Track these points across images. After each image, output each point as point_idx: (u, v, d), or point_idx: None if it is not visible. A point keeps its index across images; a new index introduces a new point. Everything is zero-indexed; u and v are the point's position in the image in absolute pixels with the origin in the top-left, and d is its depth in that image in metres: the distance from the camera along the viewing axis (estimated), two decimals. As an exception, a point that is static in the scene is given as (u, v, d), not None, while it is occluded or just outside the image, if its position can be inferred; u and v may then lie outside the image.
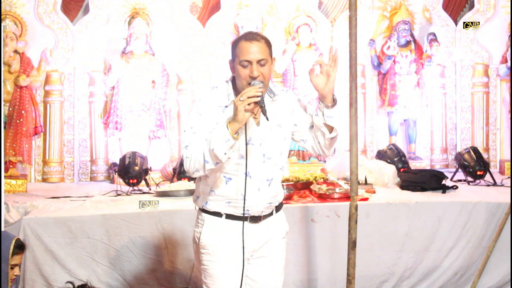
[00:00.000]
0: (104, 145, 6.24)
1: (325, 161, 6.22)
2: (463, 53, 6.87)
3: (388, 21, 6.76)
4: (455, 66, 6.93)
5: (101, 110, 6.26)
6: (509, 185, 5.05)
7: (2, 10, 5.74)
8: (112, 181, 5.93)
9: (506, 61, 6.66)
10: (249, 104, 2.36)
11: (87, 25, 6.25)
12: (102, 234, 4.13)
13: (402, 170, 5.59)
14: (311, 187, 4.81)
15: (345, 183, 4.84)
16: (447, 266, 4.43)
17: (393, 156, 5.89)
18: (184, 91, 6.40)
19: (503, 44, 6.75)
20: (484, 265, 4.36)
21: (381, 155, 6.00)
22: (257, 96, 2.37)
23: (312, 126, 2.66)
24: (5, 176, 5.34)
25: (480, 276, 4.38)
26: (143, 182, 5.31)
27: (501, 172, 6.52)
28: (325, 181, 4.97)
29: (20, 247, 3.25)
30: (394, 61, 6.55)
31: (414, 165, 6.28)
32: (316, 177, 5.07)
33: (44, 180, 6.07)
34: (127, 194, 5.05)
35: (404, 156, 5.99)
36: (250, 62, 2.46)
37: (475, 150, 5.74)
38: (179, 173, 5.37)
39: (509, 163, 6.32)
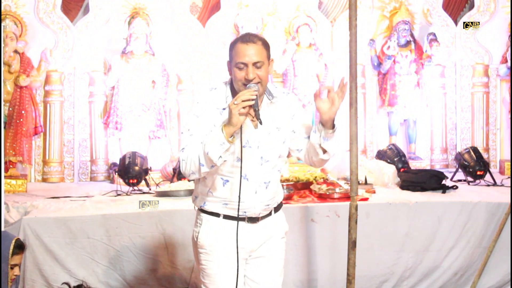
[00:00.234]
0: (104, 145, 6.23)
1: (325, 161, 6.21)
2: (463, 53, 6.87)
3: (388, 21, 6.76)
4: (455, 66, 6.93)
5: (101, 110, 6.26)
6: (509, 185, 5.05)
7: (2, 10, 5.73)
8: (112, 181, 5.93)
9: (506, 61, 6.66)
10: (244, 108, 2.34)
11: (87, 25, 6.25)
12: (102, 234, 4.13)
13: (402, 170, 5.59)
14: (311, 187, 4.81)
15: (345, 183, 4.84)
16: (447, 266, 4.43)
17: (393, 156, 5.89)
18: (184, 91, 6.40)
19: (503, 44, 6.75)
20: (484, 265, 4.37)
21: (381, 155, 6.00)
22: (252, 100, 2.35)
23: (309, 137, 2.64)
24: (5, 176, 5.34)
25: (480, 276, 4.39)
26: (143, 182, 5.31)
27: (501, 172, 6.52)
28: (325, 181, 4.97)
29: (20, 247, 3.25)
30: (394, 61, 6.55)
31: (414, 165, 6.28)
32: (316, 177, 5.07)
33: (44, 180, 6.07)
34: (127, 194, 5.05)
35: (404, 156, 5.99)
36: (246, 65, 2.45)
37: (475, 150, 5.74)
38: (179, 173, 5.37)
39: (509, 163, 6.32)
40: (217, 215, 2.62)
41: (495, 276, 4.43)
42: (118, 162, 5.55)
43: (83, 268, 4.11)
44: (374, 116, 6.82)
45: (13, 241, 3.19)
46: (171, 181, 5.44)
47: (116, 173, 5.32)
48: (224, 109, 2.51)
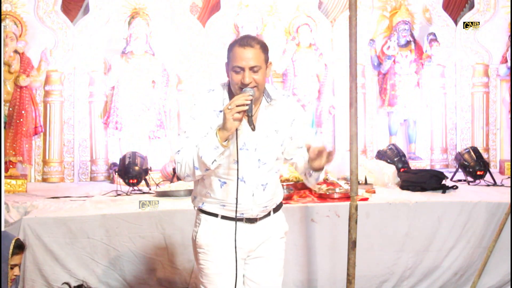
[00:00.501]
0: (104, 145, 6.24)
1: (325, 161, 6.21)
2: (463, 53, 6.87)
3: (388, 21, 6.77)
4: (455, 66, 6.93)
5: (101, 110, 6.26)
6: (509, 185, 5.05)
7: (2, 10, 5.74)
8: (112, 181, 5.93)
9: (506, 61, 6.66)
10: (239, 113, 2.33)
11: (87, 25, 6.25)
12: (102, 234, 4.13)
13: (402, 170, 5.59)
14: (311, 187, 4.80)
15: (345, 183, 4.84)
16: (447, 266, 4.43)
17: (393, 156, 5.89)
18: (184, 91, 6.40)
19: (503, 44, 6.75)
20: (484, 265, 4.37)
21: (381, 155, 6.00)
22: (246, 105, 2.34)
23: (302, 147, 2.64)
24: (5, 176, 5.34)
25: (480, 276, 4.38)
26: (143, 182, 5.31)
27: (501, 172, 6.52)
28: (325, 181, 4.96)
29: (20, 247, 3.24)
30: (394, 61, 6.55)
31: (414, 165, 6.29)
32: (316, 177, 5.06)
33: (44, 180, 6.07)
34: (127, 194, 5.05)
35: (404, 156, 5.99)
36: (242, 69, 2.43)
37: (475, 150, 5.74)
38: (179, 173, 5.36)
39: (509, 163, 6.32)
40: (215, 215, 2.62)
41: (495, 276, 4.43)
42: (118, 162, 5.55)
43: (83, 268, 4.11)
44: (374, 116, 6.82)
45: (13, 241, 3.19)
46: (171, 181, 5.44)
47: (116, 173, 5.32)
48: (221, 111, 2.50)
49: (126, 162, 5.30)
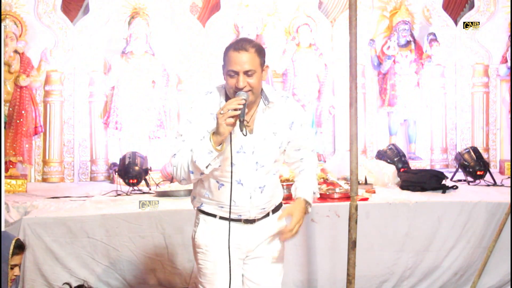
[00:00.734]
0: (104, 145, 6.24)
1: (325, 161, 6.22)
2: (463, 53, 6.87)
3: (388, 21, 6.77)
4: (455, 66, 6.93)
5: (101, 110, 6.26)
6: (509, 185, 5.05)
7: (2, 10, 5.74)
8: (112, 181, 5.93)
9: (506, 61, 6.66)
10: (232, 117, 2.32)
11: (87, 25, 6.25)
12: (102, 234, 4.13)
13: (402, 170, 5.59)
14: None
15: (345, 183, 4.84)
16: (447, 266, 4.43)
17: (393, 156, 5.89)
18: (184, 91, 6.40)
19: (503, 44, 6.75)
20: (484, 265, 4.36)
21: (381, 155, 6.00)
22: (238, 109, 2.33)
23: (299, 150, 2.67)
24: (5, 176, 5.34)
25: (480, 276, 4.38)
26: (143, 182, 5.31)
27: (501, 172, 6.52)
28: (325, 181, 4.96)
29: (20, 247, 3.24)
30: (394, 61, 6.55)
31: (414, 165, 6.28)
32: (316, 177, 5.06)
33: (44, 180, 6.07)
34: (127, 194, 5.05)
35: (404, 156, 5.99)
36: (236, 73, 2.43)
37: (475, 150, 5.74)
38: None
39: (509, 163, 6.32)
40: (213, 215, 2.63)
41: (495, 276, 4.43)
42: (118, 162, 5.55)
43: (83, 267, 4.11)
44: (374, 116, 6.82)
45: (13, 241, 3.19)
46: (171, 181, 5.44)
47: (116, 173, 5.32)
48: None
49: (126, 162, 5.30)
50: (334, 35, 6.72)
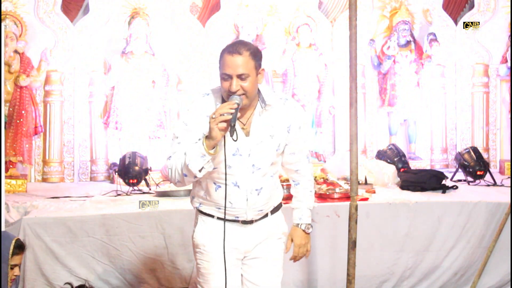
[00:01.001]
0: (104, 145, 6.24)
1: (325, 161, 6.23)
2: (463, 53, 6.87)
3: (388, 21, 6.77)
4: (455, 66, 6.93)
5: (101, 110, 6.26)
6: (509, 185, 5.05)
7: (2, 10, 5.74)
8: (112, 181, 5.93)
9: (506, 61, 6.66)
10: (225, 121, 2.31)
11: (87, 25, 6.25)
12: (102, 234, 4.13)
13: (402, 170, 5.59)
14: (311, 187, 4.80)
15: (345, 183, 4.84)
16: (447, 266, 4.43)
17: (393, 156, 5.90)
18: (184, 91, 6.40)
19: (503, 44, 6.75)
20: (484, 265, 4.37)
21: (381, 155, 6.00)
22: (230, 114, 2.31)
23: (295, 153, 2.67)
24: (5, 176, 5.33)
25: (480, 276, 4.38)
26: (143, 182, 5.31)
27: (501, 172, 6.52)
28: (325, 181, 4.96)
29: (20, 247, 3.25)
30: (394, 61, 6.55)
31: (414, 165, 6.28)
32: (316, 177, 5.06)
33: (44, 180, 6.07)
34: (127, 194, 5.05)
35: (404, 156, 5.99)
36: (230, 76, 2.43)
37: (475, 150, 5.74)
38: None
39: (509, 163, 6.33)
40: (211, 216, 2.63)
41: (495, 276, 4.43)
42: (118, 162, 5.55)
43: (84, 267, 4.11)
44: (374, 116, 6.82)
45: (13, 241, 3.19)
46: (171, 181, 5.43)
47: (116, 173, 5.32)
48: None
49: (126, 162, 5.30)
50: (334, 35, 6.72)
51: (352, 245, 3.33)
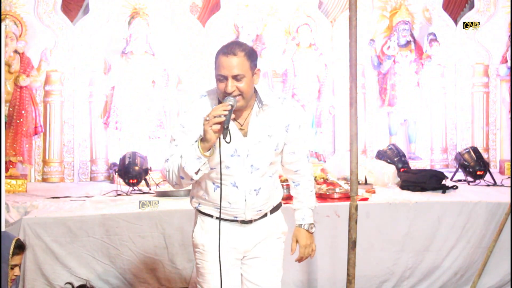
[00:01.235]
0: (104, 145, 6.24)
1: (325, 161, 6.22)
2: (463, 53, 6.87)
3: (388, 21, 6.76)
4: (455, 66, 6.93)
5: (101, 110, 6.25)
6: (509, 185, 5.05)
7: (2, 10, 5.73)
8: (112, 181, 5.93)
9: (506, 61, 6.66)
10: (218, 123, 2.31)
11: (87, 25, 6.24)
12: (102, 234, 4.13)
13: (402, 170, 5.59)
14: (311, 187, 4.80)
15: (345, 183, 4.84)
16: (447, 266, 4.43)
17: (393, 156, 5.89)
18: (184, 91, 6.40)
19: (503, 44, 6.75)
20: (484, 265, 4.37)
21: (381, 155, 6.00)
22: (224, 116, 2.31)
23: (294, 153, 2.66)
24: (5, 176, 5.33)
25: (480, 276, 4.39)
26: (143, 182, 5.31)
27: (501, 172, 6.52)
28: (325, 181, 4.96)
29: (20, 247, 3.25)
30: (394, 61, 6.55)
31: (414, 165, 6.28)
32: (316, 177, 5.06)
33: (44, 180, 6.07)
34: (127, 194, 5.05)
35: (404, 156, 5.99)
36: (225, 77, 2.42)
37: (475, 150, 5.74)
38: (179, 173, 5.36)
39: (509, 163, 6.32)
40: (210, 215, 2.63)
41: (495, 276, 4.43)
42: (118, 162, 5.55)
43: (84, 266, 4.11)
44: (374, 116, 6.82)
45: (13, 241, 3.19)
46: (171, 181, 5.43)
47: (116, 173, 5.33)
48: None
49: (126, 162, 5.30)
50: (334, 35, 6.72)
51: (352, 245, 3.33)
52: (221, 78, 2.44)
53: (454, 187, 5.05)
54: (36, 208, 4.46)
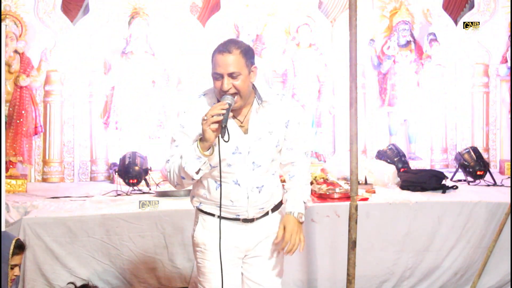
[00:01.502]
0: (104, 145, 6.23)
1: (325, 161, 6.22)
2: (463, 53, 6.86)
3: (388, 21, 6.76)
4: (455, 66, 6.92)
5: (101, 110, 6.25)
6: (509, 185, 5.05)
7: (2, 10, 5.73)
8: (112, 181, 5.93)
9: (506, 61, 6.66)
10: (216, 122, 2.32)
11: (87, 25, 6.24)
12: (102, 234, 4.14)
13: (402, 170, 5.59)
14: (311, 187, 4.80)
15: (345, 183, 4.84)
16: (447, 266, 4.43)
17: (393, 156, 5.89)
18: (184, 91, 6.40)
19: (503, 44, 6.74)
20: (484, 265, 4.37)
21: (381, 155, 6.00)
22: (221, 115, 2.32)
23: (293, 149, 2.65)
24: (5, 176, 5.33)
25: (480, 276, 4.39)
26: (143, 182, 5.31)
27: (501, 172, 6.52)
28: (325, 181, 4.96)
29: (20, 247, 3.25)
30: (394, 61, 6.55)
31: (414, 165, 6.27)
32: (316, 177, 5.07)
33: (44, 180, 6.07)
34: (127, 194, 5.05)
35: (404, 156, 5.99)
36: (221, 75, 2.43)
37: (475, 150, 5.74)
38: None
39: (509, 163, 6.32)
40: (212, 214, 2.63)
41: (495, 276, 4.43)
42: (118, 162, 5.55)
43: (84, 266, 4.12)
44: (374, 116, 6.81)
45: (13, 241, 3.19)
46: (171, 181, 5.43)
47: (116, 173, 5.33)
48: None
49: (126, 162, 5.30)
50: (334, 35, 6.71)
51: (352, 245, 3.33)
52: (217, 76, 2.45)
53: (454, 187, 5.05)
54: (36, 208, 4.46)
